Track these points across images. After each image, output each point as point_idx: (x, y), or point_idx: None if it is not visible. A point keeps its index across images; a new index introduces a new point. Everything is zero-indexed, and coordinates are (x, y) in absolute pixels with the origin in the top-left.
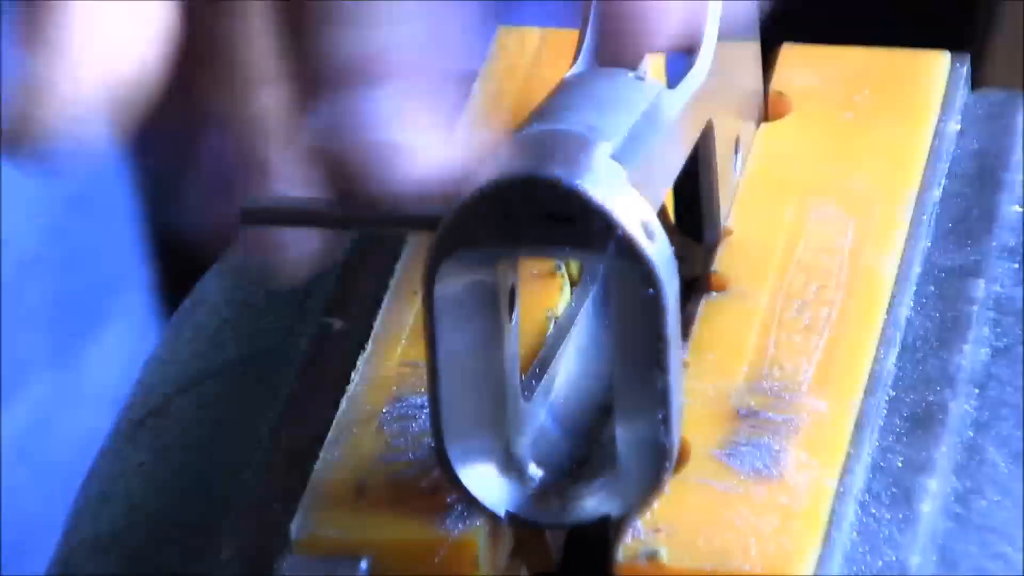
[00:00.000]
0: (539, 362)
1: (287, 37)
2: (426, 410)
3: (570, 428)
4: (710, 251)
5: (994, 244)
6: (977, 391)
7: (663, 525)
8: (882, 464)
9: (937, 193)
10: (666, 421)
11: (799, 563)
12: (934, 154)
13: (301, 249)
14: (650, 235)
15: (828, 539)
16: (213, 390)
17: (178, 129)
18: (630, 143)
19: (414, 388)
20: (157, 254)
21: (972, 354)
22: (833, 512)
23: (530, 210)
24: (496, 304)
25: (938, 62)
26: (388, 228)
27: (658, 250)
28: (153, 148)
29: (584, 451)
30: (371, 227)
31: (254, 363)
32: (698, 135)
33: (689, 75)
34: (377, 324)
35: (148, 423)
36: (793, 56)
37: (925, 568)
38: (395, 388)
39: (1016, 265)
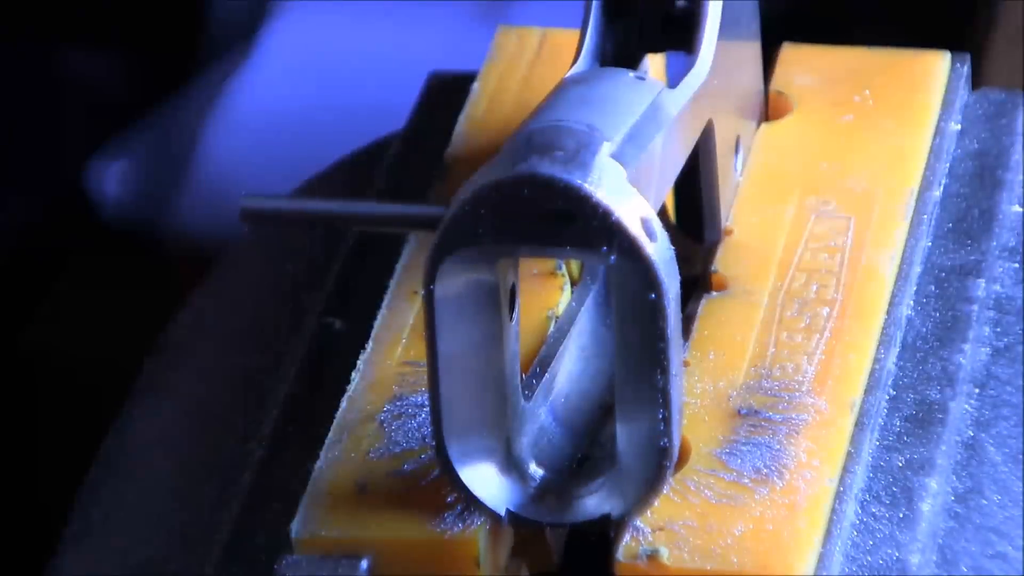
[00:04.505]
0: (540, 361)
1: None
2: (426, 409)
3: (571, 427)
4: (711, 251)
5: (994, 244)
6: (977, 390)
7: (664, 524)
8: (882, 463)
9: (937, 193)
10: (667, 421)
11: (800, 562)
12: (934, 154)
13: None
14: (651, 235)
15: (828, 538)
16: (214, 390)
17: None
18: (630, 142)
19: (414, 387)
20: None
21: (972, 353)
22: (833, 511)
23: (530, 209)
24: (496, 303)
25: (938, 62)
26: (388, 228)
27: (659, 250)
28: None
29: (585, 450)
30: (371, 227)
31: (254, 363)
32: (698, 135)
33: (689, 75)
34: (377, 324)
35: (147, 423)
36: (793, 56)
37: (925, 567)
38: (395, 387)
39: (1016, 265)
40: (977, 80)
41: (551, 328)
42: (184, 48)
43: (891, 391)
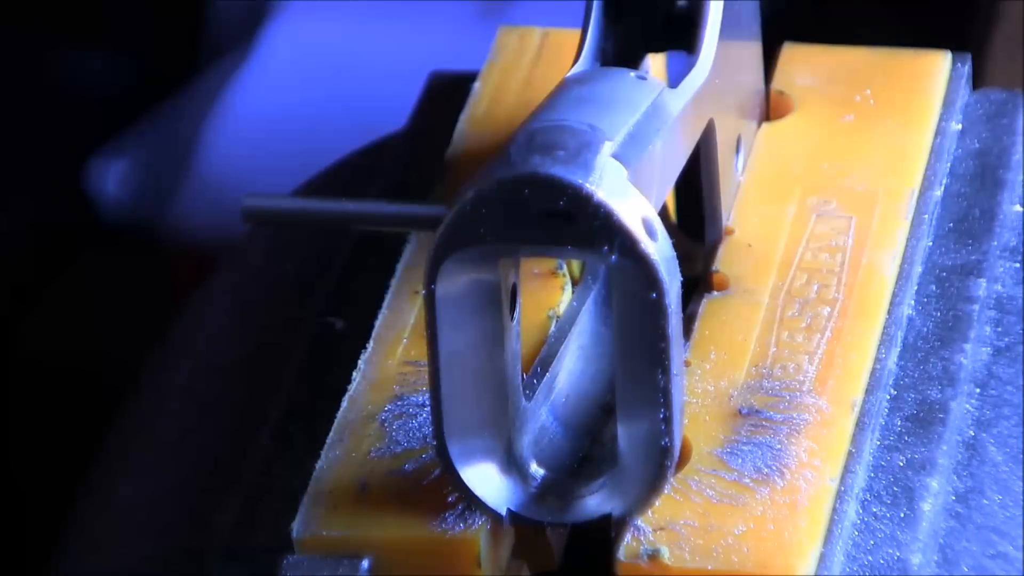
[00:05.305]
0: (540, 361)
1: None
2: (427, 409)
3: (572, 427)
4: (711, 250)
5: (995, 243)
6: (978, 390)
7: (665, 524)
8: (883, 463)
9: (938, 192)
10: (668, 420)
11: (800, 562)
12: (935, 153)
13: None
14: (652, 234)
15: (829, 538)
16: (214, 389)
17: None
18: (631, 142)
19: (415, 387)
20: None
21: (973, 353)
22: (834, 511)
23: (531, 209)
24: (498, 303)
25: (939, 62)
26: (389, 228)
27: (660, 250)
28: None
29: (586, 450)
30: (371, 227)
31: (254, 363)
32: (699, 134)
33: (690, 74)
34: (378, 324)
35: (148, 423)
36: (794, 56)
37: (926, 567)
38: (396, 387)
39: (1017, 264)
40: (978, 80)
41: (552, 328)
42: (184, 48)
43: (892, 391)
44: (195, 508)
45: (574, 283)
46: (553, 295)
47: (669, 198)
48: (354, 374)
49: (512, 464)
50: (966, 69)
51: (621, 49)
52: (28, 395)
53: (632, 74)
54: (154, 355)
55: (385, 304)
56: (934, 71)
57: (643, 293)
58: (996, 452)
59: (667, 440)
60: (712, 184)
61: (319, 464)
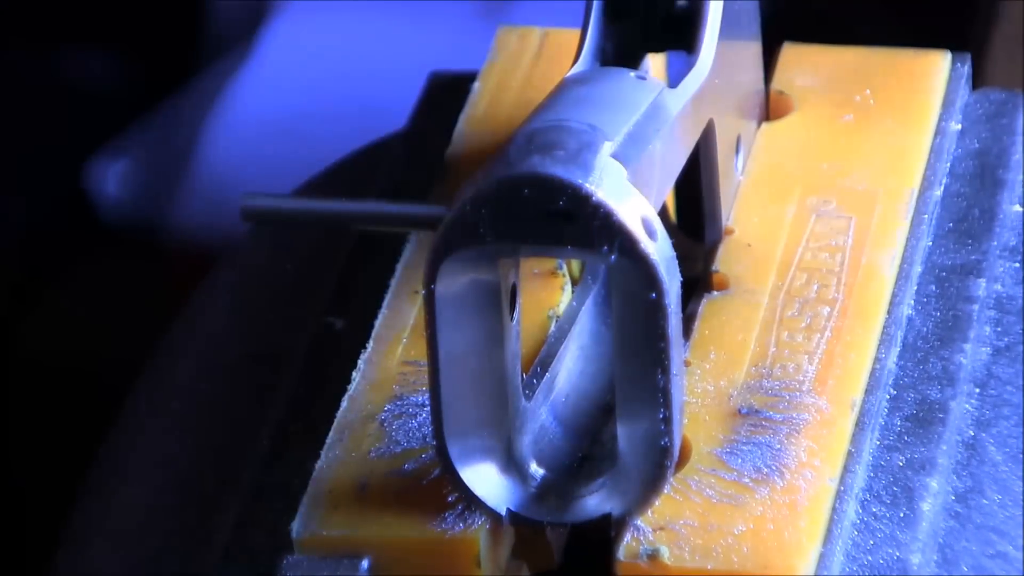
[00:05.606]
0: (540, 361)
1: None
2: (427, 409)
3: (571, 427)
4: (711, 250)
5: (995, 243)
6: (978, 390)
7: (664, 524)
8: (883, 463)
9: (938, 192)
10: (667, 420)
11: (800, 562)
12: (935, 153)
13: None
14: (651, 234)
15: (829, 537)
16: (214, 390)
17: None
18: (631, 142)
19: (415, 387)
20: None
21: (973, 353)
22: (834, 511)
23: (531, 209)
24: (497, 303)
25: (939, 62)
26: (389, 228)
27: (659, 249)
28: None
29: (585, 450)
30: (371, 227)
31: (254, 363)
32: (699, 134)
33: (690, 74)
34: (378, 323)
35: (148, 424)
36: (794, 56)
37: (926, 567)
38: (396, 387)
39: (1017, 264)
40: (977, 80)
41: (552, 328)
42: (184, 48)
43: (892, 390)
44: (195, 508)
45: (574, 283)
46: (553, 295)
47: (669, 198)
48: (354, 374)
49: (512, 464)
50: (966, 69)
51: (621, 49)
52: (28, 395)
53: (632, 74)
54: (154, 355)
55: (385, 304)
56: (934, 71)
57: (643, 293)
58: (996, 452)
59: (667, 440)
60: (712, 184)
61: (319, 464)
